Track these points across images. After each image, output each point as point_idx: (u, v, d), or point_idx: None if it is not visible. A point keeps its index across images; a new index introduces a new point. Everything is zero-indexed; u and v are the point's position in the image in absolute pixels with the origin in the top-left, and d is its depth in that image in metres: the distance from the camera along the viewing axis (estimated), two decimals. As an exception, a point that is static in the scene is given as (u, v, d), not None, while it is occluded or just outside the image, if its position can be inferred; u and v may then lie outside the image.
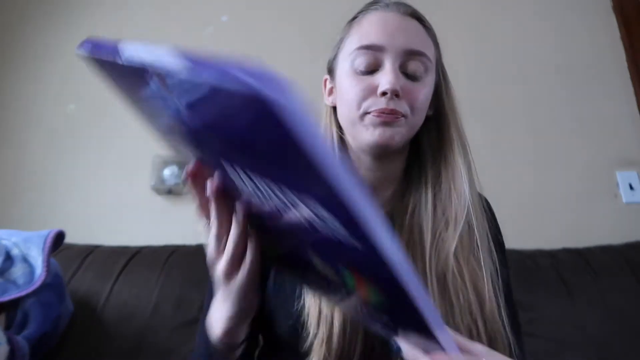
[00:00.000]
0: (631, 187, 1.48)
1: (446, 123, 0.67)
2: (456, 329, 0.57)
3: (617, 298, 1.15)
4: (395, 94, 0.59)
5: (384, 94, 0.59)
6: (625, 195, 1.48)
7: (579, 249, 1.28)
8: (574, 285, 1.17)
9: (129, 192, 1.54)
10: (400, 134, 0.61)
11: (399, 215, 0.66)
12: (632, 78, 1.59)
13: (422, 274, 0.62)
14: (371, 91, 0.61)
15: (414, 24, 0.64)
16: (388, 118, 0.60)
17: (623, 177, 1.49)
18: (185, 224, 1.49)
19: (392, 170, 0.68)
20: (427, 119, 0.67)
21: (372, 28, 0.62)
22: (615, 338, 1.10)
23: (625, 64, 1.62)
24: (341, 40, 0.67)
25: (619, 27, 1.65)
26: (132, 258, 1.25)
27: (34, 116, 1.64)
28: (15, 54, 1.71)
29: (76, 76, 1.69)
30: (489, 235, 0.64)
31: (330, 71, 0.70)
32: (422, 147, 0.68)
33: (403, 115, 0.60)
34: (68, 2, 1.78)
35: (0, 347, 0.86)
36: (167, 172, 1.52)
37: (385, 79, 0.59)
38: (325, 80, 0.72)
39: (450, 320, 0.59)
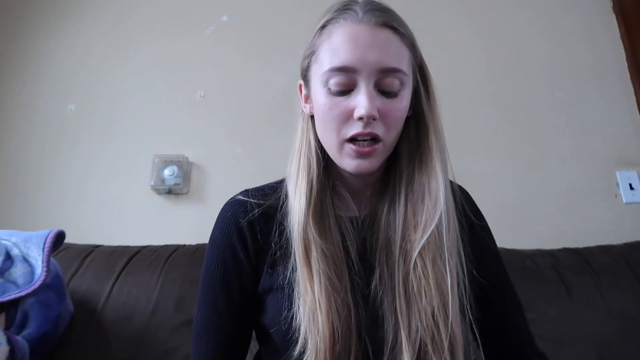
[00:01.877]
0: (631, 187, 1.48)
1: (425, 128, 0.66)
2: (416, 332, 0.59)
3: (617, 298, 1.15)
4: (371, 118, 0.60)
5: (360, 118, 0.59)
6: (625, 195, 1.48)
7: (579, 249, 1.28)
8: (574, 285, 1.17)
9: (129, 192, 1.54)
10: (379, 160, 0.63)
11: (379, 213, 0.68)
12: (632, 78, 1.59)
13: (391, 273, 0.63)
14: (348, 115, 0.60)
15: (387, 35, 0.61)
16: (365, 150, 0.61)
17: (623, 177, 1.49)
18: (185, 224, 1.49)
19: (372, 177, 0.70)
20: (406, 119, 0.66)
21: (343, 46, 0.60)
22: (615, 338, 1.09)
23: (625, 64, 1.62)
24: (312, 53, 0.65)
25: (619, 27, 1.65)
26: (132, 258, 1.25)
27: (34, 116, 1.64)
28: (15, 54, 1.71)
29: (76, 76, 1.69)
30: (460, 239, 0.65)
31: (305, 79, 0.69)
32: (400, 147, 0.68)
33: (380, 139, 0.61)
34: (68, 2, 1.78)
35: (0, 347, 0.86)
36: (167, 172, 1.51)
37: (360, 103, 0.59)
38: (300, 86, 0.71)
39: (412, 323, 0.60)
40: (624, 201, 1.47)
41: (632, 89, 1.59)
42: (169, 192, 1.53)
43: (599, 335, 1.09)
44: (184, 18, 1.74)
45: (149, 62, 1.69)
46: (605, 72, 1.62)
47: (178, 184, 1.51)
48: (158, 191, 1.54)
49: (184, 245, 1.31)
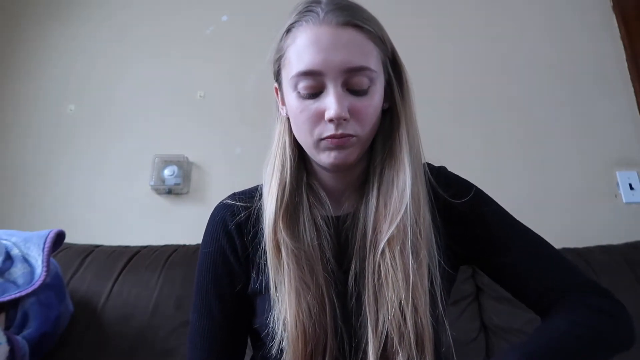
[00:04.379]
0: (631, 187, 1.48)
1: (396, 119, 0.66)
2: (383, 323, 0.60)
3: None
4: (342, 119, 0.59)
5: (331, 120, 0.59)
6: (625, 195, 1.48)
7: (579, 249, 1.28)
8: (574, 285, 1.17)
9: (129, 192, 1.54)
10: (354, 153, 0.63)
11: (357, 210, 0.68)
12: (632, 78, 1.59)
13: (362, 265, 0.64)
14: (319, 117, 0.60)
15: (350, 34, 0.60)
16: (340, 142, 0.60)
17: (623, 177, 1.49)
18: (185, 224, 1.49)
19: (353, 174, 0.69)
20: (383, 112, 0.66)
21: (307, 50, 0.59)
22: (615, 338, 1.09)
23: (625, 64, 1.62)
24: (281, 57, 0.65)
25: (619, 27, 1.65)
26: (132, 258, 1.25)
27: (34, 116, 1.64)
28: (15, 54, 1.71)
29: (76, 76, 1.69)
30: (432, 229, 0.64)
31: (278, 82, 0.69)
32: (375, 141, 0.68)
33: (354, 136, 0.61)
34: (68, 2, 1.78)
35: (0, 346, 0.86)
36: (167, 172, 1.52)
37: (330, 106, 0.59)
38: (276, 89, 0.71)
39: (380, 315, 0.60)
40: (624, 201, 1.47)
41: (632, 89, 1.59)
42: (169, 192, 1.53)
43: (599, 335, 1.09)
44: (184, 18, 1.74)
45: (149, 62, 1.69)
46: (605, 72, 1.61)
47: (178, 184, 1.51)
48: (158, 191, 1.54)
49: (184, 245, 1.32)
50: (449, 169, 0.76)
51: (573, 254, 1.26)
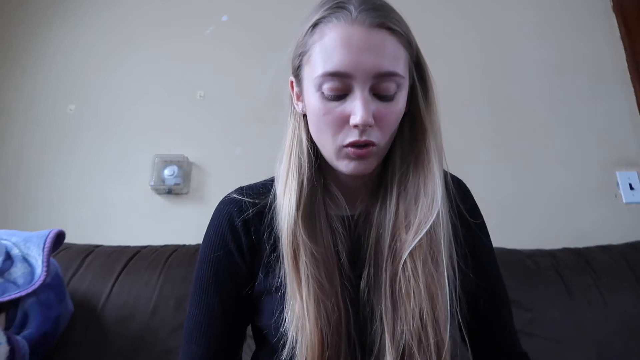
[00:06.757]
0: (631, 187, 1.48)
1: (421, 127, 0.64)
2: (401, 333, 0.58)
3: (617, 298, 1.15)
4: (367, 126, 0.57)
5: (356, 126, 0.57)
6: (625, 195, 1.48)
7: (579, 249, 1.28)
8: (574, 285, 1.17)
9: (129, 192, 1.54)
10: (373, 163, 0.62)
11: (371, 212, 0.66)
12: (632, 78, 1.60)
13: (377, 272, 0.62)
14: (343, 121, 0.58)
15: (382, 36, 0.57)
16: (362, 153, 0.59)
17: (623, 177, 1.49)
18: (185, 224, 1.49)
19: (370, 175, 0.68)
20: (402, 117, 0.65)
21: (337, 50, 0.56)
22: (615, 338, 1.09)
23: (625, 64, 1.62)
24: (304, 52, 0.61)
25: (619, 27, 1.65)
26: (132, 258, 1.25)
27: (34, 116, 1.64)
28: (15, 54, 1.71)
29: (76, 76, 1.69)
30: (452, 240, 0.63)
31: (297, 78, 0.66)
32: (393, 146, 0.65)
33: (376, 144, 0.59)
34: (68, 2, 1.78)
35: (0, 346, 0.86)
36: (167, 172, 1.51)
37: (356, 111, 0.56)
38: (292, 83, 0.68)
39: (397, 325, 0.59)
40: (624, 201, 1.47)
41: (632, 89, 1.59)
42: (169, 192, 1.53)
43: (599, 335, 1.09)
44: (184, 18, 1.74)
45: (149, 62, 1.69)
46: (605, 72, 1.62)
47: (178, 184, 1.51)
48: (158, 191, 1.54)
49: (184, 245, 1.31)
50: (450, 170, 0.76)
51: (573, 254, 1.26)
